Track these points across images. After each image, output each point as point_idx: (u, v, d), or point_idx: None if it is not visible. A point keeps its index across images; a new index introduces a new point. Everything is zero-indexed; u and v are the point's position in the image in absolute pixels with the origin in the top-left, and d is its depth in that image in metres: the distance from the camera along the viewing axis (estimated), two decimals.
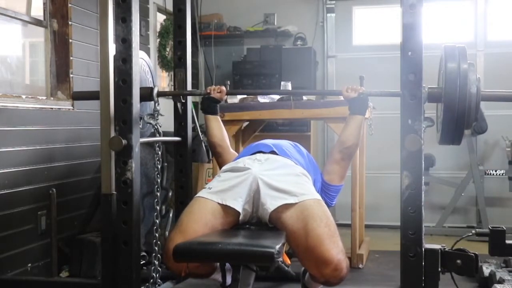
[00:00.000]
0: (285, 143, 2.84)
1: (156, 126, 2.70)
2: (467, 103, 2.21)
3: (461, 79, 2.21)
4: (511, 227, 2.84)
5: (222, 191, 2.50)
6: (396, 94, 2.23)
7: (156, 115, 2.67)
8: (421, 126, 2.15)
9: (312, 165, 2.83)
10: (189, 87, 3.11)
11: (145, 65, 2.84)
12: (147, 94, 2.59)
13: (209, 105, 2.97)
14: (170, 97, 3.13)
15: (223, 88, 2.96)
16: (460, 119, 2.23)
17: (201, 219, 2.43)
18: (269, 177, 2.50)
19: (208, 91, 2.95)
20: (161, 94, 2.74)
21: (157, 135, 2.72)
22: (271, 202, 2.44)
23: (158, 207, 2.79)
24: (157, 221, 2.80)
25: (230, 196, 2.47)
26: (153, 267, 2.75)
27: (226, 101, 3.99)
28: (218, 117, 3.02)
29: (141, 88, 2.48)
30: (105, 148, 2.37)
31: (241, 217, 2.47)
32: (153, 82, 2.98)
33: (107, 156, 2.37)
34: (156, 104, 2.67)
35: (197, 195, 2.57)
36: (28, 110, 3.54)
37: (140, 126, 2.44)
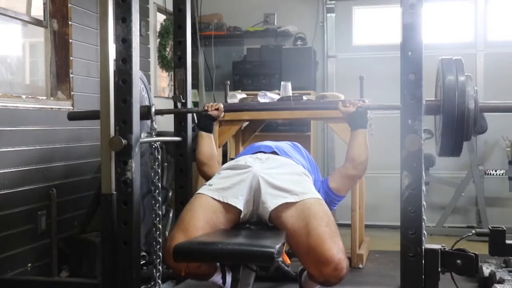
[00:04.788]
0: (285, 145, 2.84)
1: (155, 145, 2.65)
2: (465, 115, 2.19)
3: (459, 91, 2.20)
4: (511, 227, 2.83)
5: (223, 189, 2.50)
6: (395, 107, 2.21)
7: (153, 133, 2.64)
8: (421, 126, 2.14)
9: (312, 165, 2.83)
10: (189, 87, 3.11)
11: (141, 83, 2.81)
12: (144, 113, 2.56)
13: (205, 122, 2.94)
14: (170, 97, 3.13)
15: (221, 105, 2.94)
16: (459, 131, 2.21)
17: (202, 217, 2.43)
18: (270, 176, 2.50)
19: (206, 108, 2.93)
20: (159, 112, 2.73)
21: (156, 152, 2.66)
22: (271, 201, 2.44)
23: (158, 210, 2.76)
24: (157, 222, 2.78)
25: (231, 194, 2.47)
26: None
27: (226, 101, 3.99)
28: (212, 135, 2.97)
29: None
30: (105, 148, 2.37)
31: (242, 215, 2.48)
32: (149, 100, 2.95)
33: (107, 156, 2.38)
34: (154, 122, 2.63)
35: (198, 191, 2.57)
36: (28, 110, 3.54)
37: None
